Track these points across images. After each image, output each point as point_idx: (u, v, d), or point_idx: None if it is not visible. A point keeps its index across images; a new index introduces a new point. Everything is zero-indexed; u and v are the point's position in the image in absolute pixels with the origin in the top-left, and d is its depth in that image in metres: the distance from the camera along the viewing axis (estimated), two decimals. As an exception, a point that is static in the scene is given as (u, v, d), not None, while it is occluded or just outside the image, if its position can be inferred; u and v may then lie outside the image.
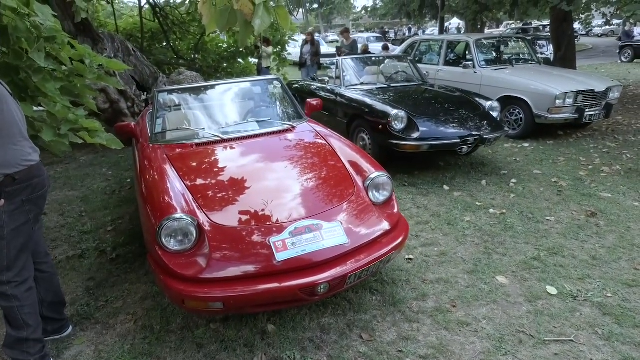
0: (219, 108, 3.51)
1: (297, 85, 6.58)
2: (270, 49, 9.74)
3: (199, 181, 2.46)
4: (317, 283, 1.94)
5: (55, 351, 2.19)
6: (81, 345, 2.24)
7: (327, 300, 2.46)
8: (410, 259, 2.93)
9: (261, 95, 3.80)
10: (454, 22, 30.72)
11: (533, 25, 21.84)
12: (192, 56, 10.02)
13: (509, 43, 7.66)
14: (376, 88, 5.26)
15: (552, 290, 2.53)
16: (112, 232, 3.55)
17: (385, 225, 2.31)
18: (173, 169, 2.54)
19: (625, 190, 4.00)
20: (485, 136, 4.31)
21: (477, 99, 4.96)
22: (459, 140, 4.24)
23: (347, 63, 5.64)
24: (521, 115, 5.82)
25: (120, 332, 2.32)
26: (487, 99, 4.95)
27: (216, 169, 2.64)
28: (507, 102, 5.84)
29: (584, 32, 27.11)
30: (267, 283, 1.94)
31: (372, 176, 2.51)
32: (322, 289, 1.98)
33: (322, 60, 10.04)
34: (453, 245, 3.11)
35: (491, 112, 4.74)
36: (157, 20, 9.70)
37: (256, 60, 10.05)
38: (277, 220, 2.16)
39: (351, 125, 5.01)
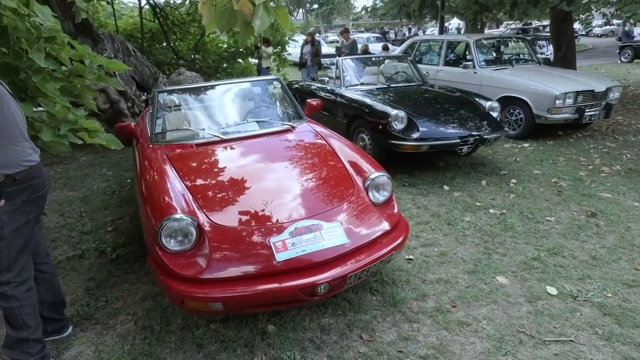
0: (219, 108, 3.51)
1: (297, 86, 6.58)
2: (270, 49, 9.74)
3: (199, 181, 2.46)
4: (317, 283, 1.94)
5: (55, 351, 2.19)
6: (81, 346, 2.24)
7: (327, 301, 2.46)
8: (410, 259, 2.93)
9: (261, 96, 3.80)
10: (454, 23, 30.72)
11: (533, 26, 21.83)
12: (192, 56, 10.02)
13: (509, 43, 7.66)
14: (376, 88, 5.26)
15: (552, 290, 2.53)
16: (112, 232, 3.55)
17: (385, 226, 2.31)
18: (173, 169, 2.54)
19: (625, 190, 4.00)
20: (485, 136, 4.31)
21: (477, 99, 4.96)
22: (459, 141, 4.24)
23: (347, 63, 5.64)
24: (521, 116, 5.82)
25: (120, 333, 2.32)
26: (487, 99, 4.95)
27: (216, 169, 2.64)
28: (507, 102, 5.85)
29: (583, 33, 27.10)
30: (267, 283, 1.94)
31: (372, 176, 2.51)
32: (322, 289, 1.98)
33: (322, 60, 10.03)
34: (453, 246, 3.11)
35: (491, 112, 4.74)
36: (157, 21, 9.70)
37: (256, 61, 10.05)
38: (277, 221, 2.16)
39: (351, 126, 5.01)
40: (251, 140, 2.99)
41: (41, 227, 2.17)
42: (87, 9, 2.99)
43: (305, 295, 1.99)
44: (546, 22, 17.75)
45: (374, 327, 2.28)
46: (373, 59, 6.42)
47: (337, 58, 5.92)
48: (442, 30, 16.28)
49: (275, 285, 1.93)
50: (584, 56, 17.28)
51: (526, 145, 5.63)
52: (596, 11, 9.61)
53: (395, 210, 2.47)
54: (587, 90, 5.57)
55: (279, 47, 10.54)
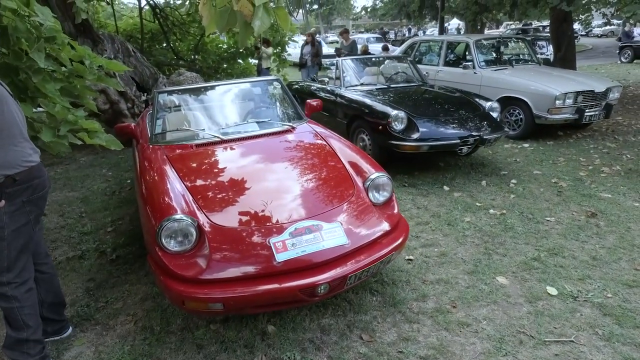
0: (219, 109, 3.51)
1: (297, 86, 6.58)
2: (270, 50, 9.74)
3: (199, 182, 2.47)
4: (317, 284, 1.94)
5: (55, 352, 2.19)
6: (81, 346, 2.24)
7: (327, 301, 2.46)
8: (411, 260, 2.93)
9: (261, 96, 3.80)
10: (454, 23, 30.72)
11: (533, 26, 21.85)
12: (192, 57, 10.01)
13: (509, 44, 7.66)
14: (376, 89, 5.26)
15: (552, 290, 2.53)
16: (112, 233, 3.55)
17: (385, 226, 2.31)
18: (173, 169, 2.54)
19: (625, 190, 4.00)
20: (485, 137, 4.31)
21: (477, 100, 4.96)
22: (458, 141, 4.24)
23: (347, 64, 5.64)
24: (521, 116, 5.82)
25: (120, 333, 2.32)
26: (487, 100, 4.95)
27: (216, 170, 2.64)
28: (507, 102, 5.85)
29: (583, 33, 27.12)
30: (267, 284, 1.94)
31: (372, 177, 2.51)
32: (322, 290, 1.98)
33: (322, 60, 10.03)
34: (453, 246, 3.11)
35: (491, 113, 4.74)
36: (157, 21, 9.70)
37: (256, 61, 10.05)
38: (277, 221, 2.16)
39: (351, 126, 5.01)
40: (251, 140, 2.99)
41: (41, 227, 2.17)
42: (87, 10, 2.99)
43: (305, 296, 1.99)
44: (546, 23, 17.77)
45: (374, 328, 2.28)
46: (373, 59, 6.42)
47: (337, 58, 5.93)
48: (442, 30, 16.29)
49: (275, 285, 1.93)
50: (583, 56, 17.29)
51: (526, 145, 5.63)
52: (596, 11, 9.61)
53: (395, 211, 2.47)
54: (587, 91, 5.57)
55: (279, 48, 10.53)
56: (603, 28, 27.80)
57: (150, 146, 2.95)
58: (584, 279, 2.64)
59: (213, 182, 2.48)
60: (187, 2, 9.76)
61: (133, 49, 7.25)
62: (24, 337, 1.92)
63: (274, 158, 2.78)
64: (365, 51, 10.54)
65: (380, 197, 2.48)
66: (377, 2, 25.01)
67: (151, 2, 9.53)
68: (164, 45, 10.11)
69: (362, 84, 5.40)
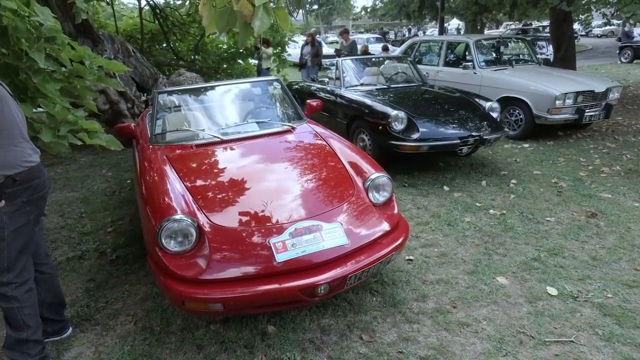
0: (219, 109, 3.51)
1: (297, 86, 6.58)
2: (270, 50, 9.74)
3: (199, 182, 2.46)
4: (317, 284, 1.94)
5: (55, 352, 2.19)
6: (81, 347, 2.24)
7: (327, 301, 2.46)
8: (411, 260, 2.93)
9: (261, 96, 3.80)
10: (453, 23, 30.72)
11: (533, 26, 21.85)
12: (192, 57, 10.01)
13: (509, 44, 7.67)
14: (376, 89, 5.26)
15: (552, 291, 2.53)
16: (112, 233, 3.55)
17: (385, 226, 2.31)
18: (173, 170, 2.54)
19: (626, 190, 4.00)
20: (485, 137, 4.31)
21: (477, 100, 4.96)
22: (458, 141, 4.24)
23: (347, 64, 5.64)
24: (521, 116, 5.82)
25: (120, 334, 2.32)
26: (487, 100, 4.95)
27: (216, 170, 2.64)
28: (507, 102, 5.85)
29: (583, 33, 27.12)
30: (267, 284, 1.93)
31: (372, 177, 2.51)
32: (322, 290, 1.98)
33: (321, 61, 10.02)
34: (453, 246, 3.11)
35: (491, 113, 4.74)
36: (157, 22, 9.70)
37: (256, 62, 10.05)
38: (277, 221, 2.16)
39: (351, 126, 5.01)
40: (251, 141, 2.99)
41: (41, 227, 2.17)
42: (87, 10, 2.99)
43: (305, 296, 1.98)
44: (546, 23, 17.77)
45: (374, 328, 2.28)
46: (373, 59, 6.42)
47: (337, 59, 5.93)
48: (442, 30, 16.29)
49: (275, 286, 1.93)
50: (583, 56, 17.30)
51: (526, 145, 5.63)
52: (596, 11, 9.62)
53: (395, 211, 2.47)
54: (587, 91, 5.57)
55: (279, 48, 10.53)
56: (603, 28, 27.80)
57: (150, 146, 2.95)
58: (584, 279, 2.64)
59: (213, 183, 2.48)
60: (187, 3, 9.75)
61: (133, 49, 7.25)
62: (24, 338, 1.92)
63: (274, 158, 2.78)
64: (365, 51, 10.54)
65: (380, 197, 2.47)
66: (377, 2, 25.02)
67: (151, 2, 9.53)
68: (164, 45, 10.11)
69: (362, 84, 5.40)
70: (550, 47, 10.74)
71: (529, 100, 5.62)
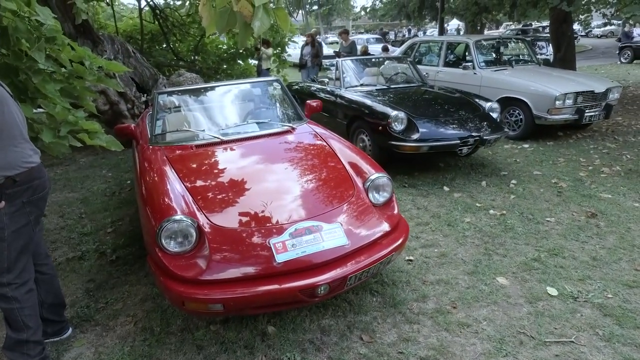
0: (219, 109, 3.51)
1: (297, 87, 6.58)
2: (270, 51, 9.74)
3: (199, 183, 2.46)
4: (317, 284, 1.94)
5: (55, 353, 2.19)
6: (81, 347, 2.24)
7: (327, 302, 2.46)
8: (411, 260, 2.93)
9: (261, 97, 3.80)
10: (453, 24, 30.74)
11: (533, 27, 21.86)
12: (192, 58, 10.01)
13: (509, 44, 7.67)
14: (376, 89, 5.26)
15: (552, 291, 2.53)
16: (112, 233, 3.55)
17: (385, 227, 2.31)
18: (173, 170, 2.54)
19: (626, 191, 4.00)
20: (485, 137, 4.32)
21: (477, 100, 4.96)
22: (458, 142, 4.24)
23: (347, 64, 5.64)
24: (521, 116, 5.82)
25: (120, 334, 2.32)
26: (487, 100, 4.95)
27: (216, 171, 2.64)
28: (507, 103, 5.85)
29: (583, 33, 27.13)
30: (267, 284, 1.93)
31: (372, 177, 2.51)
32: (322, 291, 1.98)
33: (321, 61, 10.01)
34: (453, 247, 3.11)
35: (491, 113, 4.74)
36: (156, 22, 9.70)
37: (256, 62, 10.05)
38: (277, 222, 2.16)
39: (351, 127, 5.01)
40: (251, 141, 2.99)
41: (41, 228, 2.17)
42: (87, 11, 2.99)
43: (305, 297, 1.98)
44: (546, 23, 17.77)
45: (374, 329, 2.27)
46: (373, 60, 6.42)
47: (337, 59, 5.93)
48: (442, 31, 16.30)
49: (275, 286, 1.93)
50: (583, 57, 17.30)
51: (526, 146, 5.63)
52: (596, 11, 9.62)
53: (396, 211, 2.47)
54: (586, 91, 5.57)
55: (279, 49, 10.53)
56: (603, 29, 27.82)
57: (150, 147, 2.95)
58: (584, 280, 2.64)
59: (213, 183, 2.48)
60: (187, 3, 9.75)
61: (133, 50, 7.25)
62: (24, 338, 1.92)
63: (273, 159, 2.78)
64: (365, 52, 10.54)
65: (380, 197, 2.47)
66: (377, 2, 25.02)
67: (151, 3, 9.53)
68: (164, 46, 10.11)
69: (362, 85, 5.40)
70: (550, 48, 10.74)
71: (528, 100, 5.62)
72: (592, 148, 5.42)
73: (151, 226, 2.11)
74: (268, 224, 2.15)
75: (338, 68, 5.53)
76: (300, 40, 13.04)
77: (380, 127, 4.38)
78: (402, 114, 4.27)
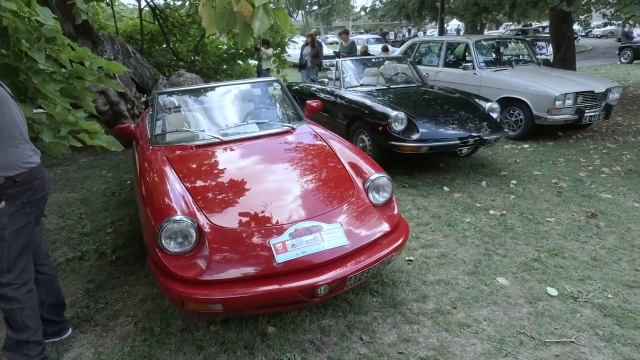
0: (219, 110, 3.51)
1: (297, 87, 6.58)
2: (270, 51, 9.74)
3: (199, 183, 2.46)
4: (317, 285, 1.94)
5: (55, 353, 2.19)
6: (81, 348, 2.24)
7: (327, 302, 2.46)
8: (411, 261, 2.93)
9: (261, 97, 3.80)
10: (453, 24, 30.74)
11: (533, 27, 21.86)
12: (192, 58, 10.02)
13: (509, 44, 7.67)
14: (376, 89, 5.26)
15: (552, 291, 2.53)
16: (111, 234, 3.54)
17: (385, 227, 2.31)
18: (173, 170, 2.54)
19: (626, 191, 4.00)
20: (485, 137, 4.32)
21: (477, 100, 4.96)
22: (458, 142, 4.24)
23: (347, 64, 5.64)
24: (521, 117, 5.82)
25: (120, 335, 2.32)
26: (487, 100, 4.95)
27: (216, 171, 2.64)
28: (507, 103, 5.85)
29: (583, 34, 27.14)
30: (267, 285, 1.93)
31: (372, 177, 2.51)
32: (322, 291, 1.98)
33: (321, 61, 10.01)
34: (453, 247, 3.11)
35: (491, 113, 4.74)
36: (156, 23, 9.70)
37: (256, 62, 10.05)
38: (277, 222, 2.16)
39: (351, 127, 5.01)
40: (251, 141, 2.99)
41: (41, 228, 2.17)
42: (87, 11, 2.99)
43: (305, 297, 1.98)
44: (546, 23, 17.78)
45: (374, 329, 2.27)
46: (373, 60, 6.42)
47: (337, 59, 5.93)
48: (442, 31, 16.30)
49: (275, 286, 1.93)
50: (583, 57, 17.30)
51: (526, 146, 5.63)
52: (596, 11, 9.62)
53: (395, 212, 2.47)
54: (586, 91, 5.57)
55: (279, 49, 10.53)
56: (603, 29, 27.83)
57: (150, 147, 2.95)
58: (584, 280, 2.64)
59: (213, 183, 2.48)
60: (186, 3, 9.76)
61: (133, 50, 7.26)
62: (24, 339, 1.92)
63: (273, 159, 2.78)
64: (365, 52, 10.54)
65: (380, 197, 2.47)
66: (377, 2, 25.03)
67: (151, 3, 9.54)
68: (164, 46, 10.11)
69: (362, 85, 5.40)
70: (550, 48, 10.74)
71: (528, 100, 5.62)
72: (592, 148, 5.42)
73: (151, 226, 2.11)
74: (268, 224, 2.15)
75: (338, 68, 5.53)
76: (300, 40, 13.04)
77: (380, 127, 4.39)
78: (402, 114, 4.27)
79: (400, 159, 4.75)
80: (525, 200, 3.87)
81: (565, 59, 8.81)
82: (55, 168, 5.41)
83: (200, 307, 1.95)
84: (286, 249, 2.01)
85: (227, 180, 2.51)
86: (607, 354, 2.05)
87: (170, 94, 3.49)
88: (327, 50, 15.05)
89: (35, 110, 2.38)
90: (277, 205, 2.27)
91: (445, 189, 4.21)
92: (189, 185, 2.41)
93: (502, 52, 7.19)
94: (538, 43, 13.01)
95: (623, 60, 15.76)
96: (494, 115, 4.75)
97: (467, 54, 6.86)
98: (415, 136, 4.24)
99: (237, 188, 2.43)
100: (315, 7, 47.43)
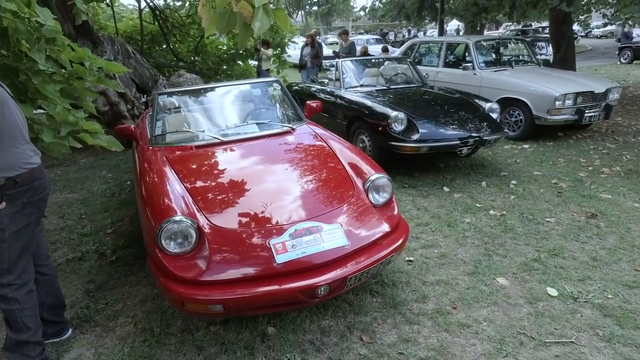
0: (219, 110, 3.51)
1: (296, 87, 6.58)
2: (270, 51, 9.74)
3: (199, 183, 2.46)
4: (317, 285, 1.94)
5: (55, 354, 2.18)
6: (81, 348, 2.23)
7: (327, 303, 2.46)
8: (411, 261, 2.93)
9: (261, 98, 3.80)
10: (453, 24, 30.74)
11: (532, 27, 21.87)
12: (192, 58, 10.02)
13: (509, 44, 7.67)
14: (376, 90, 5.26)
15: (552, 291, 2.53)
16: (111, 234, 3.54)
17: (385, 227, 2.31)
18: (173, 171, 2.54)
19: (625, 191, 4.00)
20: (485, 138, 4.32)
21: (477, 101, 4.96)
22: (458, 142, 4.24)
23: (347, 65, 5.65)
24: (521, 117, 5.82)
25: (120, 335, 2.32)
26: (487, 101, 4.96)
27: (216, 171, 2.64)
28: (507, 103, 5.85)
29: (583, 34, 27.15)
30: (267, 285, 1.93)
31: (372, 178, 2.51)
32: (322, 291, 1.98)
33: (321, 62, 10.02)
34: (453, 247, 3.10)
35: (491, 114, 4.74)
36: (156, 23, 9.71)
37: (256, 63, 10.05)
38: (277, 223, 2.16)
39: (351, 127, 5.01)
40: (251, 142, 2.99)
41: (42, 229, 2.17)
42: (87, 11, 2.99)
43: (305, 297, 1.98)
44: (545, 24, 17.79)
45: (375, 329, 2.27)
46: (372, 60, 6.42)
47: (337, 59, 5.93)
48: (442, 31, 16.30)
49: (275, 287, 1.93)
50: (583, 57, 17.31)
51: (526, 146, 5.63)
52: (596, 12, 9.63)
53: (395, 212, 2.47)
54: (586, 92, 5.58)
55: (279, 49, 10.53)
56: (602, 29, 27.84)
57: (150, 148, 2.95)
58: (584, 280, 2.64)
59: (213, 184, 2.48)
60: (186, 4, 9.77)
61: (133, 51, 7.26)
62: (24, 339, 1.92)
63: (273, 159, 2.78)
64: (365, 52, 10.54)
65: (380, 198, 2.47)
66: (376, 2, 25.05)
67: (151, 3, 9.54)
68: (164, 46, 10.11)
69: (361, 85, 5.41)
70: (550, 48, 10.75)
71: (528, 101, 5.62)
72: (592, 148, 5.42)
73: (151, 227, 2.11)
74: (268, 225, 2.15)
75: (338, 69, 5.54)
76: (300, 40, 13.04)
77: (380, 128, 4.39)
78: (402, 115, 4.27)
79: (400, 159, 4.75)
80: (525, 201, 3.87)
81: (565, 59, 8.81)
82: (55, 169, 5.41)
83: (200, 307, 1.95)
84: (286, 250, 2.01)
85: (227, 180, 2.51)
86: (607, 354, 2.05)
87: (170, 94, 3.49)
88: (326, 51, 15.06)
89: (35, 111, 2.38)
90: (277, 206, 2.27)
91: (445, 189, 4.21)
92: (189, 186, 2.41)
93: (502, 52, 7.19)
94: (538, 43, 13.02)
95: (623, 61, 15.77)
96: (494, 115, 4.75)
97: (467, 54, 6.87)
98: (415, 136, 4.24)
99: (237, 188, 2.43)
100: (315, 8, 47.43)
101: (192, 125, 3.20)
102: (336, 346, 2.16)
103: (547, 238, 3.18)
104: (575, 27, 13.66)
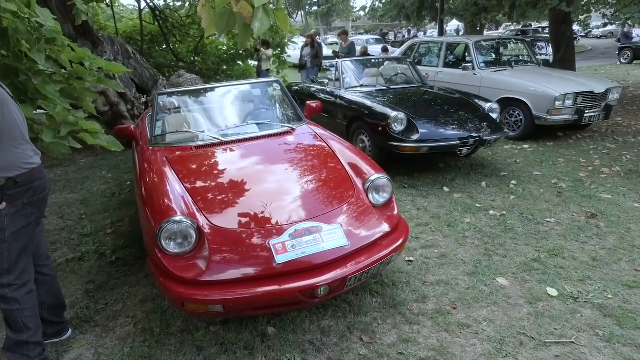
0: (219, 110, 3.51)
1: (296, 88, 6.59)
2: (269, 52, 9.74)
3: (199, 184, 2.46)
4: (317, 285, 1.94)
5: (55, 354, 2.18)
6: (81, 349, 2.23)
7: (327, 303, 2.46)
8: (411, 261, 2.93)
9: (261, 98, 3.80)
10: (452, 24, 30.74)
11: (532, 27, 21.87)
12: (192, 59, 10.02)
13: (508, 45, 7.68)
14: (376, 90, 5.26)
15: (552, 291, 2.53)
16: (111, 234, 3.54)
17: (385, 227, 2.31)
18: (173, 171, 2.54)
19: (625, 191, 4.00)
20: (484, 138, 4.32)
21: (477, 101, 4.96)
22: (458, 142, 4.24)
23: (347, 65, 5.65)
24: (521, 117, 5.82)
25: (120, 335, 2.32)
26: (487, 101, 4.96)
27: (216, 172, 2.64)
28: (507, 103, 5.85)
29: (583, 34, 27.14)
30: (267, 285, 1.93)
31: (372, 178, 2.51)
32: (322, 291, 1.98)
33: (321, 62, 10.02)
34: (453, 247, 3.10)
35: (491, 114, 4.74)
36: (156, 23, 9.72)
37: (256, 63, 10.05)
38: (277, 223, 2.16)
39: (351, 127, 5.01)
40: (251, 142, 2.99)
41: (42, 229, 2.17)
42: (87, 12, 2.99)
43: (305, 298, 1.98)
44: (545, 24, 17.79)
45: (374, 329, 2.27)
46: (372, 60, 6.42)
47: (337, 60, 5.93)
48: (442, 32, 16.31)
49: (275, 287, 1.93)
50: (583, 57, 17.31)
51: (526, 146, 5.63)
52: (595, 12, 9.63)
53: (395, 212, 2.47)
54: (586, 92, 5.58)
55: (279, 49, 10.54)
56: (602, 29, 27.83)
57: (150, 148, 2.95)
58: (584, 280, 2.64)
59: (213, 184, 2.48)
60: (186, 4, 9.77)
61: (133, 51, 7.26)
62: (24, 339, 1.92)
63: (273, 160, 2.78)
64: (365, 52, 10.54)
65: (380, 198, 2.47)
66: (376, 3, 25.03)
67: (151, 4, 9.54)
68: (164, 47, 10.12)
69: (361, 86, 5.41)
70: (550, 48, 10.75)
71: (528, 101, 5.62)
72: (592, 148, 5.42)
73: (151, 227, 2.11)
74: (268, 225, 2.15)
75: (338, 69, 5.54)
76: (300, 41, 13.04)
77: (380, 128, 4.39)
78: (402, 115, 4.27)
79: (400, 159, 4.75)
80: (525, 201, 3.87)
81: (565, 60, 8.81)
82: (55, 169, 5.41)
83: (200, 307, 1.95)
84: (286, 250, 2.01)
85: (227, 181, 2.51)
86: (607, 354, 2.05)
87: (170, 94, 3.49)
88: (326, 51, 15.06)
89: (35, 111, 2.38)
90: (277, 206, 2.27)
91: (445, 189, 4.21)
92: (189, 186, 2.41)
93: (501, 52, 7.19)
94: (538, 43, 13.01)
95: (623, 61, 15.77)
96: (494, 115, 4.75)
97: (467, 54, 6.87)
98: (415, 137, 4.24)
99: (237, 189, 2.43)
100: (315, 8, 47.42)
101: (192, 126, 3.20)
102: (336, 346, 2.16)
103: (547, 238, 3.18)
104: (575, 27, 13.66)
